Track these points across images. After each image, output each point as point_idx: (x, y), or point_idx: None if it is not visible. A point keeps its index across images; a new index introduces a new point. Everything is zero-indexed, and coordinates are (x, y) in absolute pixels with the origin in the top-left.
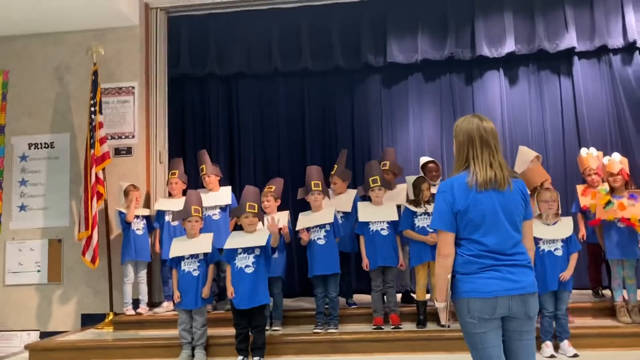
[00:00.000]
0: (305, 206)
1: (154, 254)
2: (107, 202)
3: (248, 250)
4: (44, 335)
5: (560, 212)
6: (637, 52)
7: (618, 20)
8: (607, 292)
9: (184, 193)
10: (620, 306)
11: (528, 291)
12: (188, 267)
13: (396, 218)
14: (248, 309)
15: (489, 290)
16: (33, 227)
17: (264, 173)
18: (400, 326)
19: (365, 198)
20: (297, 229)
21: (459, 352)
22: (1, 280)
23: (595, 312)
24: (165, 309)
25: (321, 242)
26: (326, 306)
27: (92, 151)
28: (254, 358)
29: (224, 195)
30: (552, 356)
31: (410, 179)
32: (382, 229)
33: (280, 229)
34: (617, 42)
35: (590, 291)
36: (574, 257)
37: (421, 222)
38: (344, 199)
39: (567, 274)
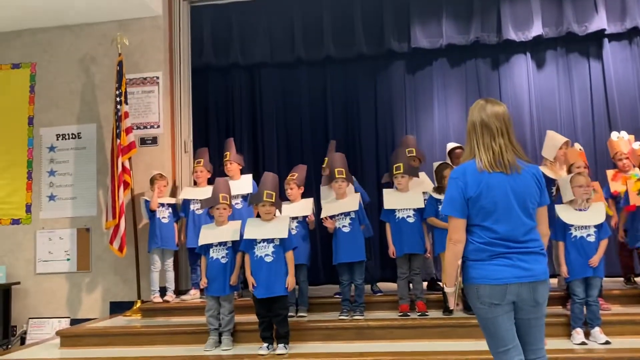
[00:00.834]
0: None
1: (180, 243)
2: (133, 191)
3: (268, 239)
4: (74, 322)
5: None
6: None
7: None
8: (639, 279)
9: (209, 182)
10: None
11: (539, 279)
12: (216, 254)
13: (422, 205)
14: (266, 298)
15: (498, 277)
16: (62, 217)
17: (287, 161)
18: (426, 313)
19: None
20: (321, 217)
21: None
22: (32, 268)
23: (626, 299)
24: (192, 296)
25: (346, 229)
26: (352, 294)
27: (118, 141)
28: (279, 345)
29: (245, 183)
30: (582, 343)
31: (436, 165)
32: (408, 216)
33: (305, 217)
34: None
35: (622, 279)
36: (603, 243)
37: None
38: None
39: (596, 259)
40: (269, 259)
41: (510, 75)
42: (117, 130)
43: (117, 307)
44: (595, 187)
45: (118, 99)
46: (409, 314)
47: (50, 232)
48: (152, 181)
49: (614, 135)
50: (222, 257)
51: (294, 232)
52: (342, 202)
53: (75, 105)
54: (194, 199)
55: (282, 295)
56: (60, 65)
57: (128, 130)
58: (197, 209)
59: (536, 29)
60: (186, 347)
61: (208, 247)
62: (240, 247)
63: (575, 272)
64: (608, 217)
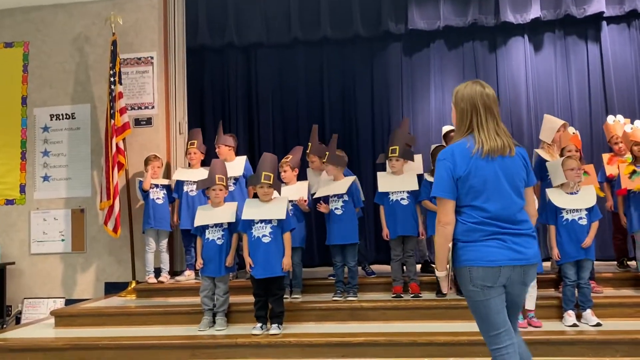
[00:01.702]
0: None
1: (174, 224)
2: (128, 172)
3: (265, 220)
4: (69, 302)
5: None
6: None
7: None
8: (632, 263)
9: (203, 163)
10: None
11: (530, 262)
12: (212, 235)
13: (416, 187)
14: (264, 278)
15: (492, 259)
16: (56, 197)
17: (283, 143)
18: (419, 295)
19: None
20: (314, 197)
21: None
22: (27, 249)
23: (620, 282)
24: (187, 277)
25: (339, 212)
26: (345, 276)
27: (113, 122)
28: (273, 325)
29: (237, 166)
30: (574, 325)
31: (433, 148)
32: (402, 199)
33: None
34: None
35: (615, 262)
36: (594, 226)
37: None
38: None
39: (588, 241)
40: (266, 240)
41: (508, 57)
42: (112, 111)
43: (112, 288)
44: (589, 170)
45: (112, 79)
46: (402, 295)
47: (45, 212)
48: (147, 162)
49: (610, 118)
50: (218, 238)
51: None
52: (335, 184)
53: (69, 85)
54: (187, 181)
55: (279, 275)
56: (53, 44)
57: (122, 111)
58: (191, 191)
59: (534, 12)
60: (180, 327)
61: (204, 228)
62: (239, 227)
63: (567, 255)
64: (600, 200)
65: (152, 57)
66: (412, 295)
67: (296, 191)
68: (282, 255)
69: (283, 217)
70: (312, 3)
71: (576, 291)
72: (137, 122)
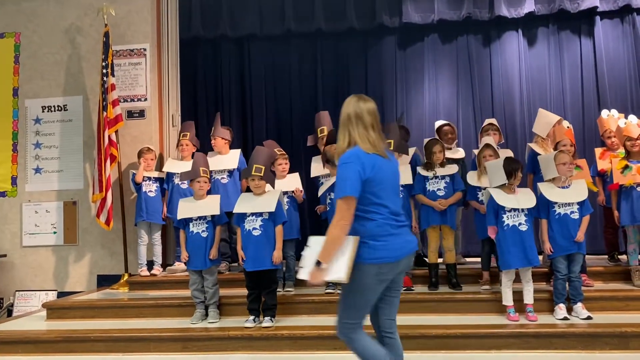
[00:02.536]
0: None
1: (165, 216)
2: (120, 165)
3: (256, 213)
4: (61, 295)
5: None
6: None
7: None
8: (623, 257)
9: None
10: (635, 270)
11: (415, 249)
12: (196, 228)
13: (410, 182)
14: (256, 271)
15: (397, 254)
16: (48, 190)
17: (276, 135)
18: (412, 288)
19: None
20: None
21: (469, 314)
22: (19, 241)
23: (610, 276)
24: (177, 268)
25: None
26: None
27: (105, 114)
28: (265, 318)
29: (231, 159)
30: (565, 318)
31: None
32: None
33: (292, 191)
34: None
35: (606, 256)
36: (586, 219)
37: (432, 185)
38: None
39: (580, 235)
40: (256, 233)
41: (502, 52)
42: (104, 103)
43: (105, 280)
44: (581, 164)
45: (104, 71)
46: None
47: (37, 204)
48: (140, 154)
49: (604, 113)
50: (202, 231)
51: (285, 207)
52: (331, 179)
53: (60, 77)
54: (177, 173)
55: (271, 268)
56: (45, 35)
57: (115, 103)
58: (182, 183)
59: (528, 6)
60: (173, 319)
61: (188, 221)
62: (233, 221)
63: (559, 249)
64: (591, 194)
65: (144, 49)
66: (404, 289)
67: (289, 183)
68: (272, 248)
69: (272, 210)
70: None
71: (567, 285)
72: (130, 114)
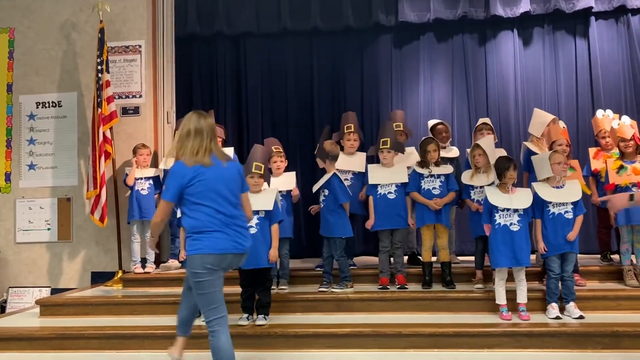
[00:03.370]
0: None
1: None
2: (114, 162)
3: (253, 211)
4: (54, 291)
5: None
6: None
7: None
8: (615, 256)
9: None
10: (627, 269)
11: (246, 251)
12: None
13: (406, 180)
14: (250, 269)
15: (220, 248)
16: (42, 186)
17: (272, 134)
18: (405, 286)
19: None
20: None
21: (462, 313)
22: (12, 238)
23: (603, 275)
24: (170, 265)
25: (324, 205)
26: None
27: (100, 110)
28: (259, 316)
29: None
30: (557, 317)
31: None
32: (389, 192)
33: (289, 191)
34: (636, 1)
35: (599, 255)
36: (579, 219)
37: (427, 184)
38: (356, 160)
39: (573, 235)
40: (253, 231)
41: (497, 51)
42: (99, 99)
43: (98, 277)
44: (574, 164)
45: (99, 67)
46: (388, 287)
47: (31, 201)
48: (135, 151)
49: (599, 113)
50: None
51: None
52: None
53: (55, 73)
54: None
55: (266, 267)
56: (39, 31)
57: (109, 100)
58: None
59: (524, 6)
60: (166, 317)
61: None
62: None
63: (552, 248)
64: (584, 195)
65: (140, 46)
66: (398, 287)
67: (284, 181)
68: (268, 246)
69: (270, 208)
70: None
71: (560, 284)
72: (125, 111)
